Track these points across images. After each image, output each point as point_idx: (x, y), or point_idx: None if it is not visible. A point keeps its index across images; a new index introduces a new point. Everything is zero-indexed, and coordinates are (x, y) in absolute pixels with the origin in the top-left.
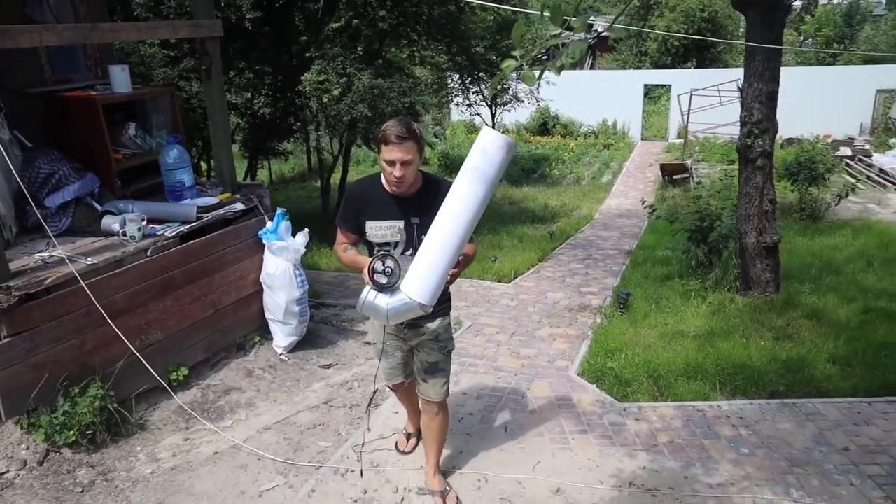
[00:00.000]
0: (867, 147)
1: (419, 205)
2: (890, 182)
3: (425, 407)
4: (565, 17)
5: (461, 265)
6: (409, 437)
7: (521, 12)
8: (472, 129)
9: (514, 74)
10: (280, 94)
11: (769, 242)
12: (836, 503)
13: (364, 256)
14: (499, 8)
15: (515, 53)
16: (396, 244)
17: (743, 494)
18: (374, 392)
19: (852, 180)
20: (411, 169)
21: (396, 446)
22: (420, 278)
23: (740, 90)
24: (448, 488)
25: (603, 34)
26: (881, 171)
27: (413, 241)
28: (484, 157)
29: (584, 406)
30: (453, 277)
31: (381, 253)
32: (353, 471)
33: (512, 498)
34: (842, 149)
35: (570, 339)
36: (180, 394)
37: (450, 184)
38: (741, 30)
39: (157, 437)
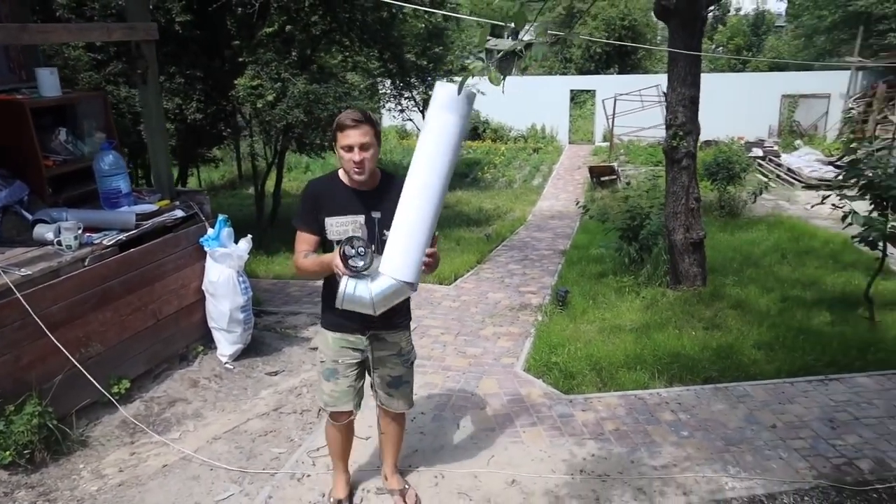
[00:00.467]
0: (776, 148)
1: (379, 199)
2: (797, 180)
3: (387, 417)
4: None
5: (433, 262)
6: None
7: (452, 17)
8: (404, 135)
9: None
10: (211, 99)
11: (696, 238)
12: (769, 475)
13: (328, 253)
14: (429, 12)
15: (482, 56)
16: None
17: (685, 474)
18: None
19: (765, 179)
20: (370, 154)
21: None
22: (400, 255)
23: (665, 94)
24: (406, 486)
25: (559, 37)
26: (789, 170)
27: (375, 236)
28: (445, 114)
29: (532, 400)
30: (429, 268)
31: (347, 237)
32: (309, 475)
33: (469, 492)
34: (754, 150)
35: (513, 336)
36: (124, 407)
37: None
38: (658, 37)
39: (101, 454)
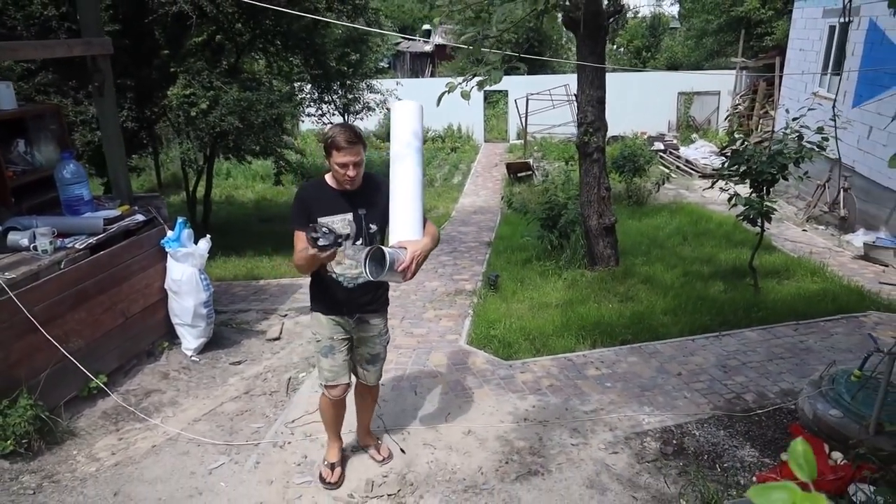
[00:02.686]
0: (675, 142)
1: (363, 198)
2: (695, 171)
3: (363, 389)
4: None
5: (424, 251)
6: (332, 467)
7: (373, 32)
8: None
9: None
10: (138, 108)
11: (608, 223)
12: (676, 411)
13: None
14: (352, 19)
15: (456, 81)
16: (348, 235)
17: (611, 415)
18: (289, 379)
19: (666, 170)
20: (361, 169)
21: (321, 478)
22: (402, 225)
23: (575, 96)
24: (379, 440)
25: (511, 62)
26: (687, 161)
27: (363, 230)
28: (407, 122)
29: (477, 367)
30: (422, 257)
31: (318, 234)
32: (289, 442)
33: (433, 443)
34: (655, 144)
35: (453, 317)
36: (102, 400)
37: (383, 177)
38: (564, 38)
39: (91, 441)
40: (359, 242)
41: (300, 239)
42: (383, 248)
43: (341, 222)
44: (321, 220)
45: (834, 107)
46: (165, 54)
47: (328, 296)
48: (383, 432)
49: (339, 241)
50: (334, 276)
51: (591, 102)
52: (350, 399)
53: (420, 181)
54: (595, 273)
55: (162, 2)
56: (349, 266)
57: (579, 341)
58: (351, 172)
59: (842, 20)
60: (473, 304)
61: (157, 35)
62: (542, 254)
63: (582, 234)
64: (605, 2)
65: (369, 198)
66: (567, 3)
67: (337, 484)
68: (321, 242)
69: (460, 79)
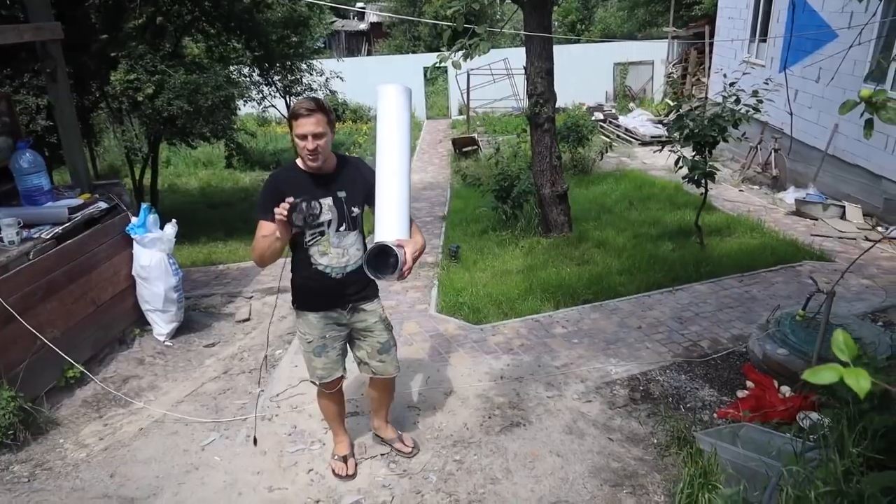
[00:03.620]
0: (614, 111)
1: (340, 179)
2: (634, 139)
3: (382, 383)
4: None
5: (418, 253)
6: (345, 459)
7: (315, 3)
8: (263, 122)
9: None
10: (80, 95)
11: (560, 191)
12: (640, 360)
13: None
14: (292, 4)
15: (443, 50)
16: (330, 222)
17: (580, 368)
18: (265, 357)
19: (607, 139)
20: (324, 141)
21: (335, 473)
22: (393, 223)
23: (524, 68)
24: (400, 432)
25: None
26: (627, 130)
27: (344, 214)
28: (394, 108)
29: (450, 333)
30: (419, 257)
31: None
32: (277, 415)
33: (418, 405)
34: (595, 114)
35: (419, 289)
36: (79, 390)
37: (360, 159)
38: (498, 14)
39: (76, 429)
40: (342, 228)
41: (262, 227)
42: (391, 245)
43: (321, 208)
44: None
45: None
46: (103, 39)
47: (316, 291)
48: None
49: (312, 220)
50: (320, 268)
51: (541, 74)
52: (349, 388)
53: (408, 174)
54: (550, 240)
55: None
56: (336, 255)
57: (543, 303)
58: (310, 145)
59: None
60: (438, 275)
61: (93, 19)
62: (497, 224)
63: (535, 203)
64: None
65: (347, 179)
66: None
67: (353, 475)
68: (295, 219)
69: (449, 51)
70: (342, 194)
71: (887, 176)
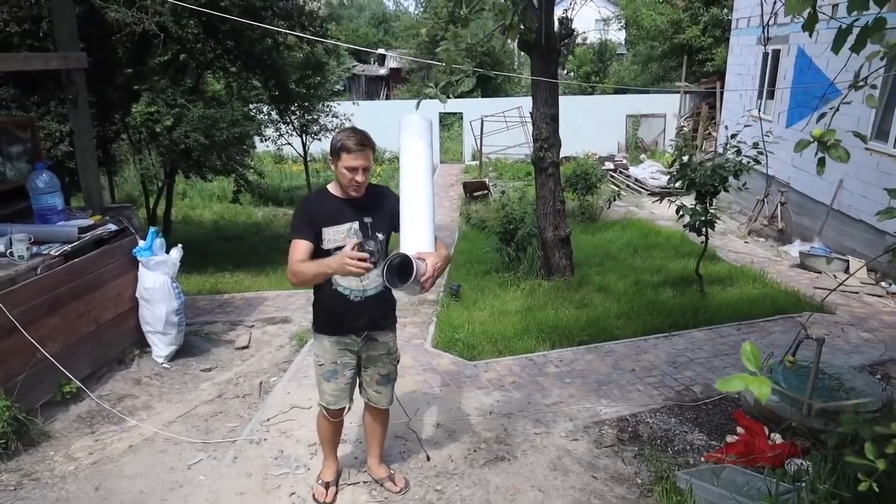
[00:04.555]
0: (625, 162)
1: (369, 206)
2: (643, 189)
3: (374, 412)
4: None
5: (441, 266)
6: (327, 486)
7: (332, 45)
8: (279, 160)
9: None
10: (98, 126)
11: (563, 235)
12: (631, 402)
13: (329, 257)
14: (312, 42)
15: (431, 85)
16: (355, 246)
17: (571, 407)
18: (261, 383)
19: (616, 188)
20: (368, 175)
21: (314, 497)
22: (418, 237)
23: (531, 114)
24: (392, 471)
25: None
26: (636, 180)
27: (368, 237)
28: (417, 136)
29: (443, 367)
30: (441, 271)
31: (363, 240)
32: (265, 440)
33: (405, 435)
34: (606, 164)
35: (418, 324)
36: (74, 406)
37: (388, 188)
38: (515, 63)
39: (67, 442)
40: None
41: (298, 249)
42: (409, 255)
43: (347, 231)
44: (326, 230)
45: (764, 130)
46: (128, 73)
47: (334, 314)
48: (355, 425)
49: (372, 256)
50: (340, 289)
51: (546, 119)
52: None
53: (432, 195)
54: (552, 283)
55: (127, 22)
56: (356, 279)
57: (539, 343)
58: (359, 178)
59: (767, 48)
60: (437, 312)
61: (119, 53)
62: (500, 266)
63: (538, 246)
64: (557, 26)
65: (374, 206)
66: (523, 26)
67: (331, 503)
68: (369, 248)
69: (436, 87)
70: (368, 220)
71: (890, 231)
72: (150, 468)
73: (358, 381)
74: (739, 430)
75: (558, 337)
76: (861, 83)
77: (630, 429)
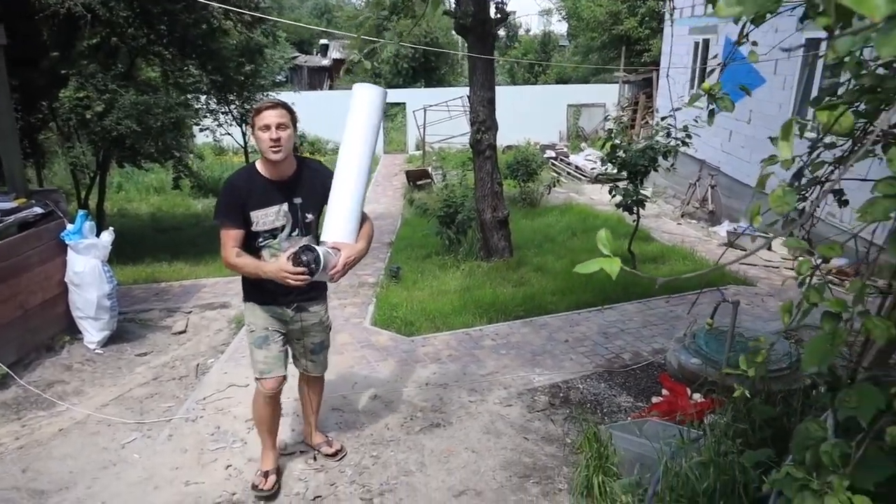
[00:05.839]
0: (566, 150)
1: (299, 185)
2: (584, 176)
3: (311, 380)
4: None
5: (354, 259)
6: (266, 475)
7: (271, 21)
8: (219, 151)
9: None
10: (22, 114)
11: (501, 216)
12: (563, 370)
13: (269, 262)
14: (250, 27)
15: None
16: (283, 227)
17: (506, 376)
18: (198, 365)
19: (557, 175)
20: (287, 134)
21: (254, 486)
22: (339, 225)
23: (468, 97)
24: (327, 436)
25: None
26: (577, 167)
27: (298, 221)
28: (366, 109)
29: (381, 343)
30: (354, 263)
31: (299, 248)
32: (202, 417)
33: (342, 407)
34: (548, 152)
35: (357, 305)
36: (1, 392)
37: (320, 163)
38: (459, 54)
39: None
40: (295, 233)
41: (231, 237)
42: (317, 248)
43: (276, 214)
44: (254, 214)
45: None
46: (54, 56)
47: (264, 287)
48: (293, 400)
49: (311, 267)
50: None
51: (483, 103)
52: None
53: (365, 179)
54: (490, 264)
55: (50, 2)
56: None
57: (476, 319)
58: (273, 134)
59: (698, 38)
60: (376, 293)
61: (45, 35)
62: (440, 249)
63: (478, 228)
64: (493, 10)
65: (305, 185)
66: (458, 10)
67: (271, 491)
68: (306, 259)
69: (360, 52)
70: (298, 200)
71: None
72: (80, 449)
73: (290, 352)
74: (664, 391)
75: (495, 313)
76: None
77: (561, 394)
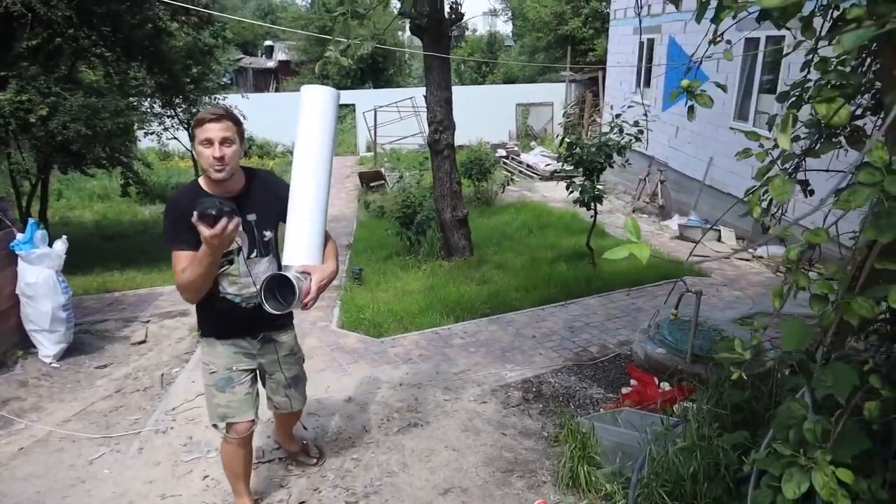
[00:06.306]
0: (516, 148)
1: (250, 201)
2: (535, 174)
3: (284, 416)
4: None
5: (327, 282)
6: None
7: (222, 21)
8: (165, 156)
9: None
10: None
11: (461, 215)
12: (534, 365)
13: (202, 249)
14: (196, 29)
15: (331, 49)
16: (240, 249)
17: (477, 373)
18: (162, 375)
19: (509, 174)
20: (233, 150)
21: None
22: (304, 245)
23: (425, 97)
24: (304, 441)
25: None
26: (528, 166)
27: (255, 240)
28: (319, 113)
29: (350, 346)
30: (326, 285)
31: (201, 206)
32: (172, 428)
33: (317, 412)
34: (499, 151)
35: (322, 308)
36: None
37: (271, 172)
38: (407, 55)
39: None
40: (253, 255)
41: (182, 259)
42: (288, 275)
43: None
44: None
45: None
46: None
47: (224, 319)
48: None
49: (224, 209)
50: (229, 297)
51: (440, 102)
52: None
53: (327, 191)
54: (452, 263)
55: None
56: (246, 284)
57: (443, 318)
58: (216, 152)
59: (642, 38)
60: (340, 296)
61: None
62: (401, 250)
63: (437, 228)
64: (448, 11)
65: (257, 199)
66: (413, 10)
67: None
68: (210, 209)
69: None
70: (252, 217)
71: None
72: (46, 468)
73: (260, 392)
74: (633, 382)
75: (461, 311)
76: (719, 41)
77: (534, 389)
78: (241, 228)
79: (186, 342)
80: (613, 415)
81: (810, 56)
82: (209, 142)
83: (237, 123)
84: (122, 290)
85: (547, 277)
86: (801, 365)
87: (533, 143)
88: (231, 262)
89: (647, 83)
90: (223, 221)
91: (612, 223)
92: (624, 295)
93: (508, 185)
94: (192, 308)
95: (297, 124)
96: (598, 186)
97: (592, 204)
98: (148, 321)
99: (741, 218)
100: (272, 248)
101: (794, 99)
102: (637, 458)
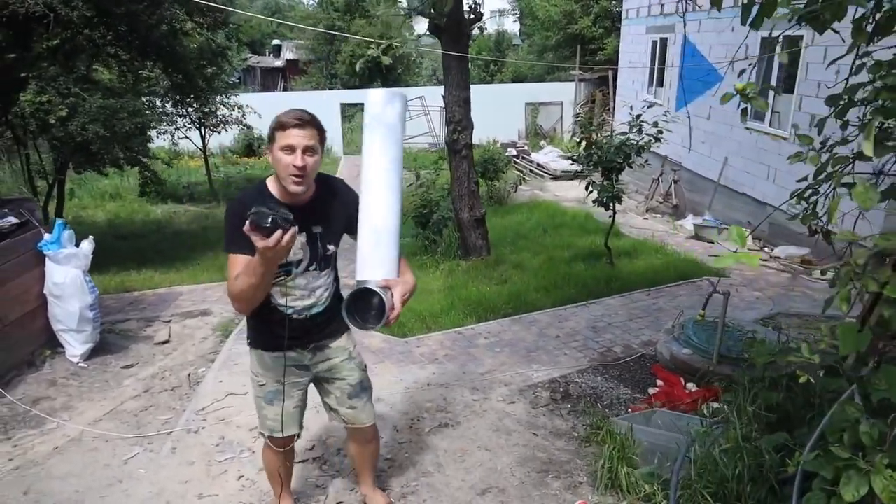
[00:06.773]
0: (526, 148)
1: (318, 212)
2: (546, 173)
3: (358, 435)
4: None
5: (409, 296)
6: None
7: (240, 18)
8: (175, 155)
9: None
10: None
11: (478, 215)
12: (559, 366)
13: (250, 262)
14: (211, 30)
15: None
16: (300, 262)
17: (504, 374)
18: (189, 374)
19: (520, 173)
20: (314, 160)
21: None
22: (381, 258)
23: (443, 97)
24: (385, 490)
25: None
26: (539, 165)
27: (318, 253)
28: (387, 120)
29: (375, 346)
30: (408, 300)
31: (256, 215)
32: (203, 428)
33: None
34: (509, 150)
35: None
36: None
37: (343, 182)
38: (414, 55)
39: None
40: (313, 268)
41: (238, 263)
42: (377, 290)
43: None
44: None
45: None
46: (9, 58)
47: (274, 331)
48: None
49: (279, 220)
50: (281, 307)
51: (458, 102)
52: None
53: (399, 202)
54: (469, 262)
55: (9, 1)
56: (301, 296)
57: (466, 318)
58: (298, 161)
59: (656, 38)
60: None
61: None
62: (417, 249)
63: (455, 228)
64: (466, 10)
65: (326, 210)
66: (432, 11)
67: None
68: (263, 219)
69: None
70: (318, 230)
71: (770, 202)
72: (82, 467)
73: (325, 404)
74: (659, 382)
75: (483, 311)
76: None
77: (561, 389)
78: (304, 241)
79: (210, 341)
80: (646, 415)
81: (861, 59)
82: (290, 148)
83: (321, 131)
84: (142, 289)
85: (566, 277)
86: (853, 367)
87: (542, 142)
88: (288, 273)
89: (661, 83)
90: (278, 233)
91: (626, 223)
92: (644, 295)
93: (521, 184)
94: (213, 307)
95: (365, 129)
96: (617, 186)
97: (611, 204)
98: (170, 321)
99: (757, 217)
100: (332, 262)
101: (843, 103)
102: (675, 458)
